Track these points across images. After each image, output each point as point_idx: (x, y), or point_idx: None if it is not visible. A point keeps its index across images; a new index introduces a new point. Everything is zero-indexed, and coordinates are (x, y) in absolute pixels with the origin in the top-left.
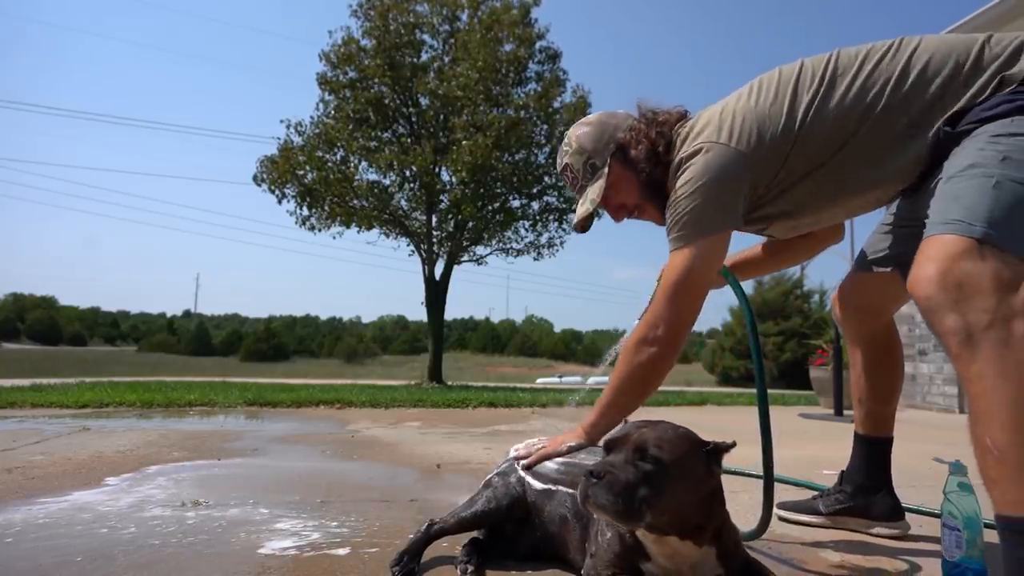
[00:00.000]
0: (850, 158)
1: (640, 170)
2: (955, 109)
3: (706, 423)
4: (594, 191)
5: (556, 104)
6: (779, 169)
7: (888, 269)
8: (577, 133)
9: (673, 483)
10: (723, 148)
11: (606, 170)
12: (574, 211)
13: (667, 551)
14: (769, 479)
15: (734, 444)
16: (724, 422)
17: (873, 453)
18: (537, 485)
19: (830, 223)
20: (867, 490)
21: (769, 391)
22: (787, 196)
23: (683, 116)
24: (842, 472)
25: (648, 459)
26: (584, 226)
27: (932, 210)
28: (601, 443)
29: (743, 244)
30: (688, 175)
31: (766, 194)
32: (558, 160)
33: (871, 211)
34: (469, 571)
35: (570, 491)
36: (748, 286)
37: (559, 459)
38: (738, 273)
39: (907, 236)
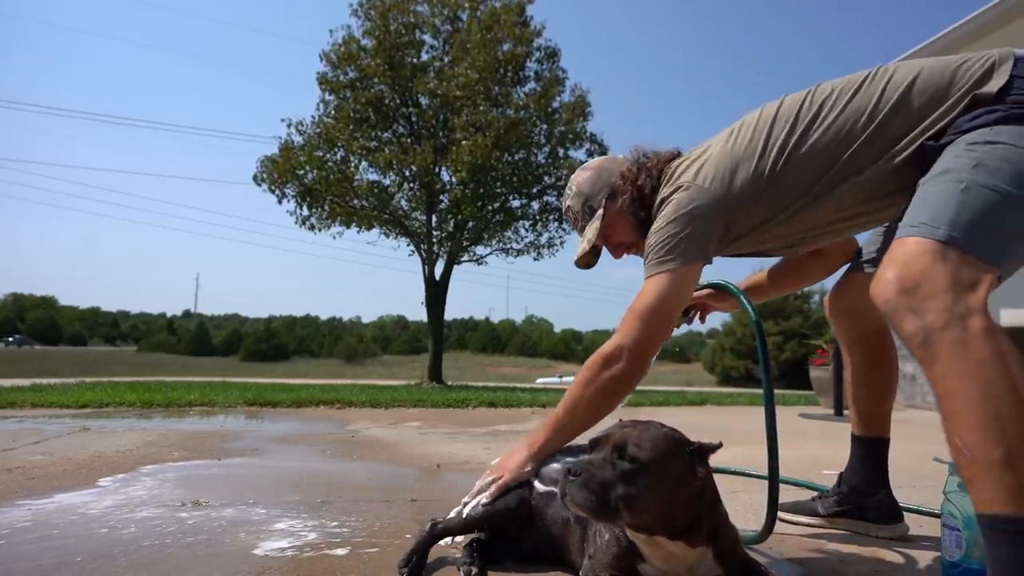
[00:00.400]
0: (832, 193)
1: (629, 212)
2: (934, 131)
3: (707, 423)
4: (591, 231)
5: (555, 104)
6: (757, 208)
7: (876, 269)
8: (578, 179)
9: (652, 481)
10: (697, 189)
11: (601, 211)
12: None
13: (660, 552)
14: (774, 484)
15: (720, 445)
16: (724, 422)
17: (869, 454)
18: (540, 487)
19: (830, 243)
20: (865, 492)
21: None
22: (773, 229)
23: (674, 156)
24: (841, 474)
25: (627, 457)
26: (586, 263)
27: (905, 214)
28: (586, 441)
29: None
30: (666, 210)
31: (749, 232)
32: (562, 203)
33: (872, 228)
34: (472, 572)
35: None
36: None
37: (567, 459)
38: (755, 295)
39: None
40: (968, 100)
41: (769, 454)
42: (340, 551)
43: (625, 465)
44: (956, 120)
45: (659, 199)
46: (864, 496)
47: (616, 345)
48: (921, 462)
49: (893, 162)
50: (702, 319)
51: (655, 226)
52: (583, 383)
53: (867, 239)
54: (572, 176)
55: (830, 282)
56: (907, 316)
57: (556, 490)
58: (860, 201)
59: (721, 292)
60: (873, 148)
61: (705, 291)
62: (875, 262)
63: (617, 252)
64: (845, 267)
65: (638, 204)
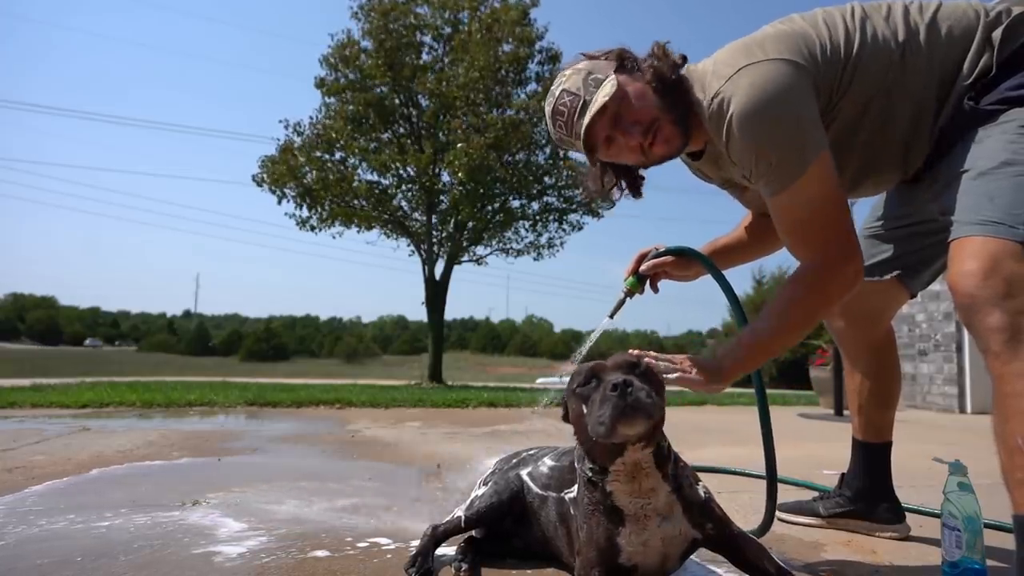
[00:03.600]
0: (891, 105)
1: (651, 78)
2: (971, 80)
3: (707, 423)
4: (603, 91)
5: None
6: (832, 90)
7: (886, 275)
8: (570, 63)
9: (662, 381)
10: (775, 62)
11: (612, 76)
12: (574, 210)
13: (638, 487)
14: (772, 478)
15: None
16: (725, 421)
17: (873, 458)
18: (535, 489)
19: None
20: (867, 494)
21: (769, 391)
22: (836, 130)
23: (684, 58)
24: (842, 475)
25: (642, 367)
26: (590, 140)
27: (961, 208)
28: (572, 385)
29: (727, 225)
30: (744, 106)
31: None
32: (548, 101)
33: (876, 193)
34: (463, 569)
35: (557, 496)
36: (748, 285)
37: (551, 464)
38: (721, 260)
39: (906, 236)
40: (1000, 38)
41: (765, 448)
42: (340, 551)
43: (645, 375)
44: (998, 83)
45: (711, 96)
46: (870, 499)
47: (825, 250)
48: (921, 462)
49: (937, 93)
50: (655, 288)
51: (740, 138)
52: (799, 290)
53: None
54: (558, 75)
55: None
56: (994, 311)
57: (545, 495)
58: (907, 138)
59: (684, 259)
60: (931, 65)
61: (666, 258)
62: (880, 267)
63: (631, 137)
64: None
65: (661, 68)
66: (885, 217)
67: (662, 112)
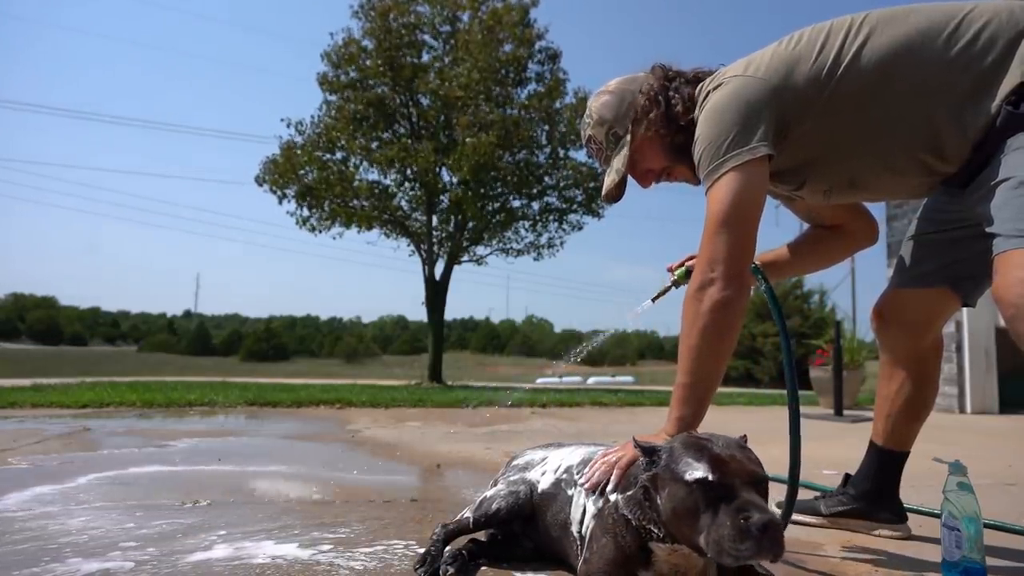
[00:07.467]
0: (894, 108)
1: (662, 134)
2: (1012, 86)
3: (707, 423)
4: (619, 160)
5: (557, 105)
6: (814, 111)
7: (937, 283)
8: (597, 104)
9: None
10: (743, 79)
11: (628, 138)
12: (574, 210)
13: (676, 559)
14: (794, 483)
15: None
16: (725, 422)
17: (888, 465)
18: (542, 487)
19: (864, 195)
20: (873, 496)
21: (768, 391)
22: (827, 152)
23: (703, 75)
24: (847, 475)
25: (765, 483)
26: (614, 196)
27: (1001, 219)
28: (689, 477)
29: (773, 241)
30: (708, 107)
31: (805, 142)
32: (581, 132)
33: (911, 197)
34: (449, 573)
35: (571, 493)
36: None
37: (561, 466)
38: (769, 273)
39: (955, 240)
40: None
41: (791, 455)
42: (340, 552)
43: (764, 492)
44: None
45: (698, 105)
46: (871, 500)
47: (702, 270)
48: (921, 462)
49: (961, 99)
50: None
51: (701, 129)
52: (690, 328)
53: (908, 251)
54: (590, 101)
55: (829, 282)
56: None
57: (556, 491)
58: (916, 143)
59: None
60: (947, 71)
61: None
62: (931, 275)
63: (646, 180)
64: (846, 266)
65: (669, 125)
66: (935, 219)
67: (673, 161)
